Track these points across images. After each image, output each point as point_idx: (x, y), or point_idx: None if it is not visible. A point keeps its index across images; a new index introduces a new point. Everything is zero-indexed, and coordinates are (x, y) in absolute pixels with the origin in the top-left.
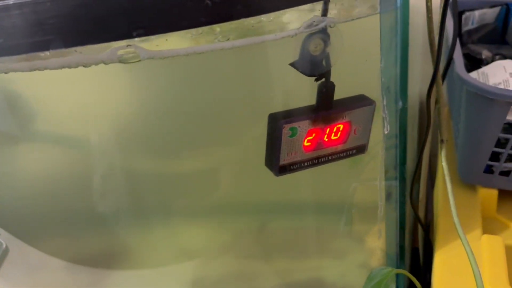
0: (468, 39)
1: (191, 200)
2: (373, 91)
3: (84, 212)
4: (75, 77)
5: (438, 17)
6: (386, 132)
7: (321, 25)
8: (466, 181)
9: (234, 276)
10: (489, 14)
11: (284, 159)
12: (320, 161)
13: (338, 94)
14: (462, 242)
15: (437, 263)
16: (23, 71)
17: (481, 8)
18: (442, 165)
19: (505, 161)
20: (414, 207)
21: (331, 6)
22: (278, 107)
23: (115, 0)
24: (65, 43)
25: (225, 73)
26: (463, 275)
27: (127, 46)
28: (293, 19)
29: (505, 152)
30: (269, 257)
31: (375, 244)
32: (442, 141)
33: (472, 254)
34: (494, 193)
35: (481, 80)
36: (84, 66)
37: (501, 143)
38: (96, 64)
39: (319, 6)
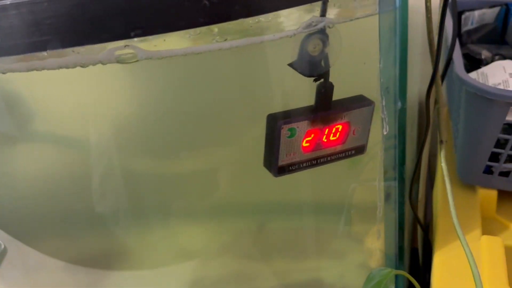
0: (468, 39)
1: (190, 200)
2: (372, 91)
3: (83, 213)
4: (73, 77)
5: (437, 17)
6: (385, 133)
7: (320, 25)
8: (466, 181)
9: (233, 276)
10: (488, 14)
11: (283, 160)
12: (319, 161)
13: (337, 95)
14: (461, 242)
15: (436, 263)
16: (20, 71)
17: (481, 8)
18: (441, 166)
19: (505, 162)
20: (413, 208)
21: (329, 6)
22: (277, 108)
23: (112, 0)
24: (63, 44)
25: (224, 73)
26: (463, 276)
27: (125, 46)
28: (291, 20)
29: (504, 152)
30: (268, 258)
31: (374, 244)
32: (441, 141)
33: (472, 255)
34: (493, 193)
35: (480, 81)
36: (81, 67)
37: (500, 144)
38: (94, 64)
39: (317, 7)
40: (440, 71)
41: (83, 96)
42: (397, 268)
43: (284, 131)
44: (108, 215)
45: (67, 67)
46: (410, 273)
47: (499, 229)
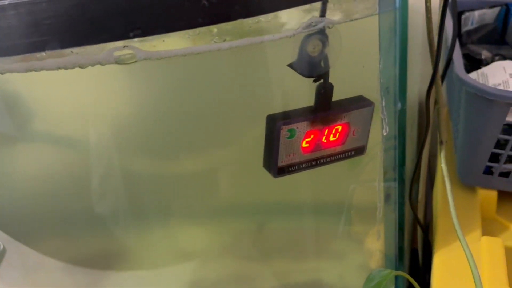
0: (468, 39)
1: (190, 200)
2: (372, 92)
3: (82, 213)
4: (72, 78)
5: (437, 17)
6: (385, 134)
7: (320, 25)
8: (466, 182)
9: (233, 277)
10: (488, 14)
11: (282, 161)
12: (318, 162)
13: (336, 95)
14: (461, 243)
15: (436, 264)
16: (19, 72)
17: (481, 8)
18: (441, 166)
19: (505, 162)
20: (413, 208)
21: (329, 6)
22: (276, 108)
23: (112, 1)
24: (61, 44)
25: (223, 74)
26: (463, 277)
27: (124, 47)
28: (291, 20)
29: (504, 153)
30: (267, 259)
31: (374, 245)
32: (441, 142)
33: (472, 255)
34: (493, 194)
35: (480, 81)
36: (80, 67)
37: (500, 144)
38: (93, 65)
39: (317, 7)
40: (440, 72)
41: (82, 97)
42: (397, 269)
43: (284, 132)
44: (107, 216)
45: (66, 67)
46: (410, 273)
47: (499, 230)
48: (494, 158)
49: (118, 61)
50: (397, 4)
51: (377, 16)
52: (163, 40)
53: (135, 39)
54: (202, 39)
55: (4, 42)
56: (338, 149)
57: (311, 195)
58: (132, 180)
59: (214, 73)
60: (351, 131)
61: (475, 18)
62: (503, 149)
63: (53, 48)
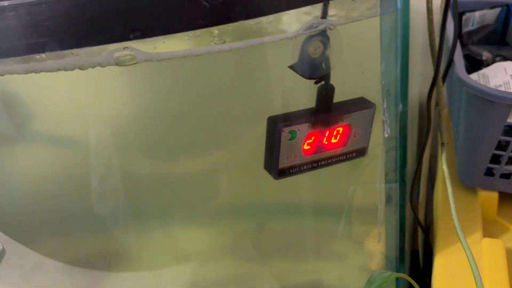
0: (468, 40)
1: (190, 202)
2: (373, 93)
3: (81, 214)
4: (72, 79)
5: (438, 18)
6: (386, 135)
7: (321, 27)
8: (467, 183)
9: (233, 278)
10: (489, 15)
11: (284, 163)
12: (319, 164)
13: (338, 97)
14: (462, 245)
15: (437, 266)
16: (19, 73)
17: (482, 9)
18: (442, 168)
19: (506, 164)
20: (414, 210)
21: (330, 8)
22: (277, 110)
23: (111, 2)
24: (61, 45)
25: (224, 75)
26: (463, 279)
27: (124, 48)
28: (292, 21)
29: (505, 154)
30: (267, 260)
31: (375, 247)
32: (442, 144)
33: (473, 257)
34: (494, 195)
35: (481, 82)
36: (80, 69)
37: (501, 146)
38: (93, 66)
39: (318, 8)
40: (441, 73)
41: (82, 98)
42: (397, 270)
43: (285, 134)
44: (107, 216)
45: (65, 69)
46: (411, 275)
47: (500, 232)
48: (495, 159)
49: (118, 63)
50: (399, 6)
51: (378, 18)
52: (164, 42)
53: (135, 41)
54: (202, 41)
55: (4, 43)
56: (339, 151)
57: (311, 196)
58: (132, 180)
59: (215, 75)
60: (353, 133)
61: (475, 18)
62: (504, 150)
63: (52, 49)
